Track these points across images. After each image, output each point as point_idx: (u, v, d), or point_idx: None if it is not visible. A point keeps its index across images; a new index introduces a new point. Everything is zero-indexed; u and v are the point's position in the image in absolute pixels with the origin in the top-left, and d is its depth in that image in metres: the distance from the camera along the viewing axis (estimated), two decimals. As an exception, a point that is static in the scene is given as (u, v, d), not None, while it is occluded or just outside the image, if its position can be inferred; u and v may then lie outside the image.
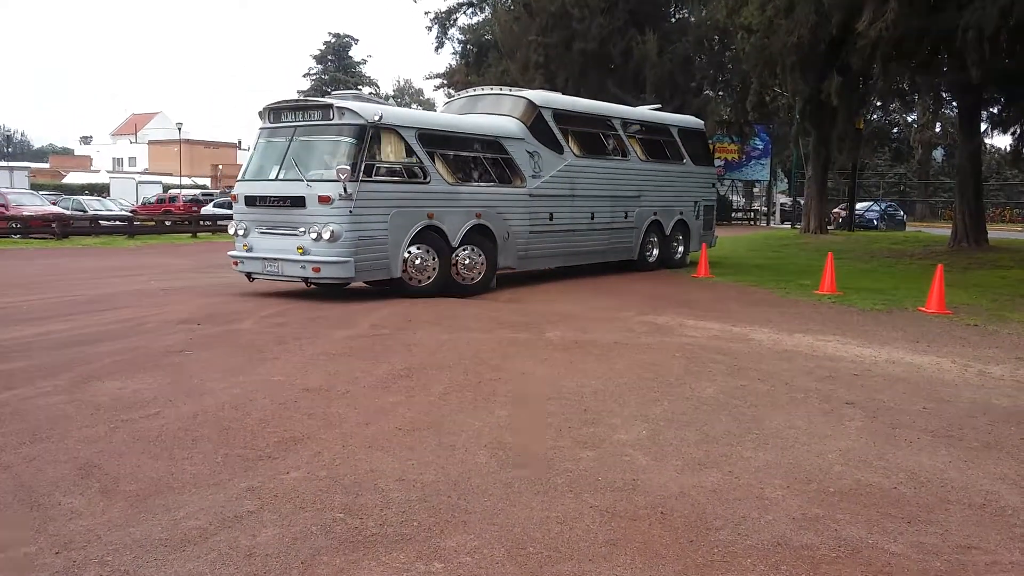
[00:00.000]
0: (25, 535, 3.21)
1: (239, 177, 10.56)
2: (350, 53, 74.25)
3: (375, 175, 9.53)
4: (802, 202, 31.73)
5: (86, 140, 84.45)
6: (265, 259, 9.81)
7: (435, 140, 10.42)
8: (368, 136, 9.45)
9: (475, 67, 39.83)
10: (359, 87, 61.78)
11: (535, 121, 11.79)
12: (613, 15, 31.89)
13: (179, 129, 54.18)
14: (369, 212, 9.39)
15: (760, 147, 41.07)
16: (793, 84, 21.70)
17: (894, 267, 15.92)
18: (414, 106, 64.49)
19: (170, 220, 30.02)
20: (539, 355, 6.68)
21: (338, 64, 72.82)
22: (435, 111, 17.92)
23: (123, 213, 30.49)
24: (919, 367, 6.49)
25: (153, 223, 28.65)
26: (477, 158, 11.07)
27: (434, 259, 10.08)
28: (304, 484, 3.74)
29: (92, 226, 25.66)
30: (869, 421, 4.90)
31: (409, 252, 9.82)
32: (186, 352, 6.62)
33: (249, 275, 10.22)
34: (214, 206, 34.16)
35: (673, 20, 36.62)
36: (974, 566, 3.04)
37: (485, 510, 3.47)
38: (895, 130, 47.08)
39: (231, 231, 10.36)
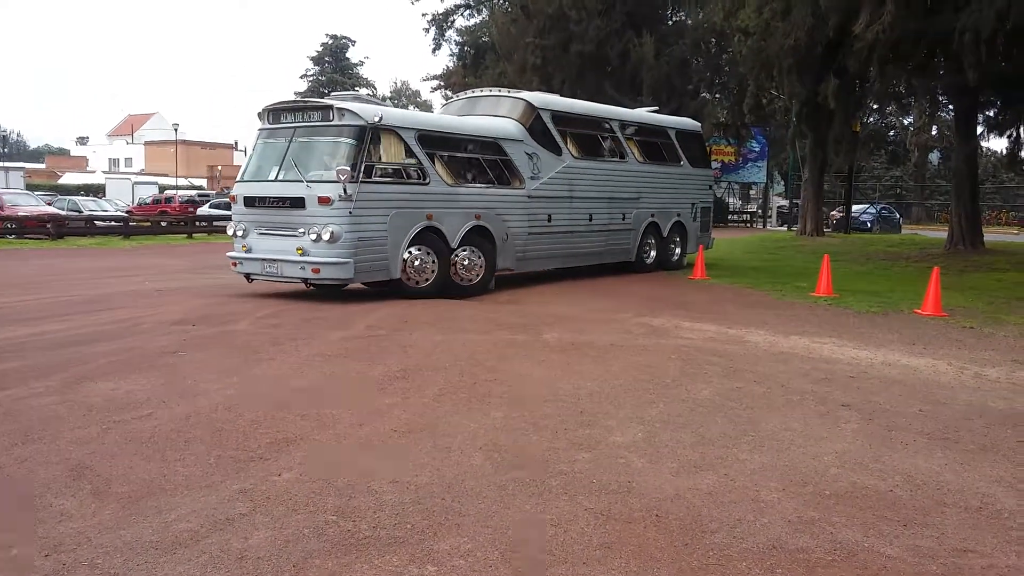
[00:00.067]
0: (15, 537, 3.18)
1: (238, 178, 10.54)
2: (347, 55, 74.25)
3: (375, 176, 9.52)
4: (798, 204, 31.78)
5: (82, 141, 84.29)
6: (264, 260, 9.78)
7: (434, 141, 10.42)
8: (368, 137, 9.44)
9: (472, 69, 39.85)
10: (356, 88, 61.72)
11: (534, 123, 11.79)
12: (610, 17, 31.92)
13: (175, 130, 54.12)
14: (369, 213, 9.38)
15: (757, 149, 41.12)
16: (790, 87, 21.71)
17: (890, 269, 15.93)
18: (411, 108, 64.51)
19: (166, 221, 29.95)
20: (535, 357, 6.66)
21: (335, 66, 72.80)
22: (432, 113, 17.90)
23: (119, 214, 30.43)
24: (915, 369, 6.49)
25: (149, 224, 28.59)
26: (476, 159, 11.07)
27: (433, 260, 10.07)
28: (297, 486, 3.72)
29: (87, 226, 25.58)
30: (865, 423, 4.89)
31: (408, 253, 9.81)
32: (180, 353, 6.59)
33: (248, 276, 10.19)
34: (210, 207, 34.09)
35: (670, 23, 36.68)
36: (970, 570, 3.02)
37: (479, 512, 3.45)
38: (891, 133, 47.22)
39: (230, 232, 10.33)
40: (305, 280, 9.68)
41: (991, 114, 20.13)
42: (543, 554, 3.08)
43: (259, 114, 10.32)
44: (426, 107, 63.72)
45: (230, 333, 7.56)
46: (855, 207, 34.84)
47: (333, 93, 11.57)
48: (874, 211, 36.31)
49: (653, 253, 14.37)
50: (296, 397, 5.27)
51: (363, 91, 59.36)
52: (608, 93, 28.39)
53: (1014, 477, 4.01)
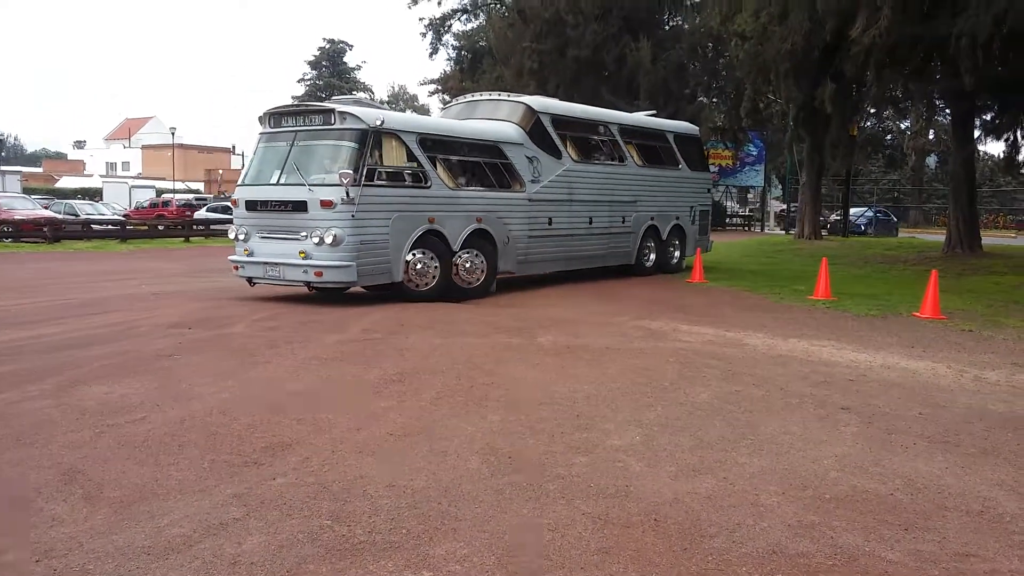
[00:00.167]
0: (5, 542, 3.14)
1: (239, 182, 10.53)
2: (344, 59, 74.34)
3: (377, 179, 9.50)
4: (795, 208, 31.80)
5: (79, 144, 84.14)
6: (266, 263, 9.76)
7: (436, 145, 10.41)
8: (370, 141, 9.44)
9: (469, 73, 39.93)
10: (354, 92, 61.71)
11: (534, 126, 11.81)
12: (607, 22, 31.97)
13: (172, 133, 54.06)
14: (371, 216, 9.37)
15: (754, 153, 41.14)
16: (787, 91, 21.73)
17: (888, 273, 15.93)
18: (408, 112, 64.47)
19: (163, 224, 29.88)
20: (533, 360, 6.62)
21: (332, 70, 72.89)
22: (430, 117, 17.89)
23: (115, 217, 30.37)
24: (914, 372, 6.46)
25: (146, 227, 28.53)
26: (477, 163, 11.07)
27: (435, 263, 10.06)
28: (291, 490, 3.67)
29: (84, 230, 25.54)
30: (865, 427, 4.86)
31: (411, 256, 9.79)
32: (175, 356, 6.55)
33: (250, 280, 10.16)
34: (207, 210, 34.05)
35: (667, 27, 36.75)
36: (972, 574, 2.99)
37: (475, 517, 3.41)
38: (889, 137, 47.34)
39: (231, 236, 10.30)
40: (308, 283, 9.66)
41: (988, 118, 20.14)
42: (540, 559, 3.04)
43: (260, 118, 10.31)
44: (423, 111, 63.76)
45: (226, 336, 7.52)
46: (852, 210, 34.87)
47: (334, 97, 11.56)
48: (869, 214, 36.33)
49: (653, 256, 14.37)
50: (292, 401, 5.23)
51: (361, 95, 59.46)
52: (605, 97, 28.41)
53: (1015, 480, 3.98)
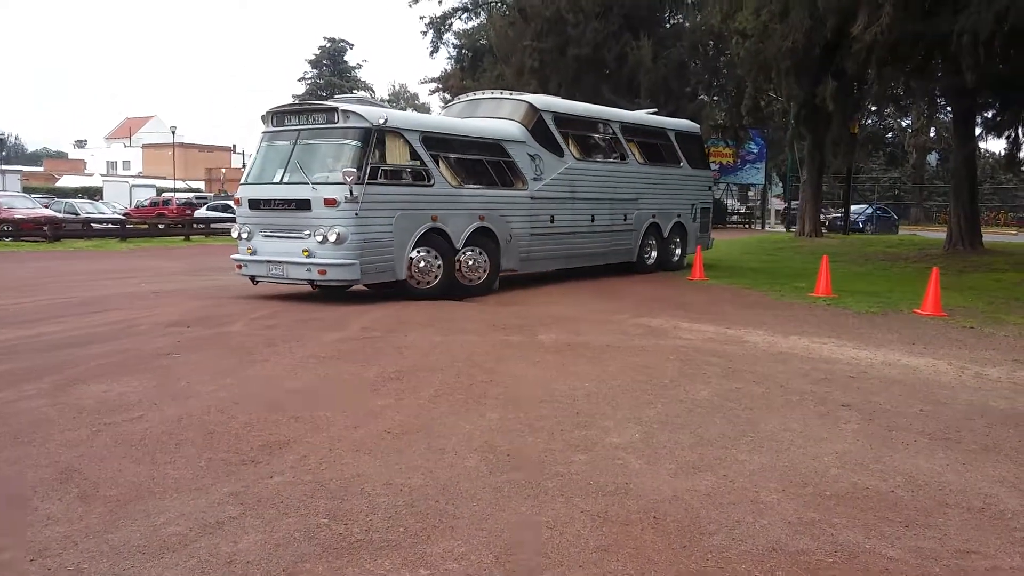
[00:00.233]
0: (1, 541, 3.12)
1: (242, 180, 10.51)
2: (345, 57, 74.27)
3: (380, 178, 9.49)
4: (796, 205, 31.75)
5: (80, 144, 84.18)
6: (270, 262, 9.75)
7: (439, 143, 10.40)
8: (373, 139, 9.43)
9: (470, 72, 39.87)
10: (354, 91, 61.68)
11: (536, 124, 11.80)
12: (608, 20, 31.92)
13: (173, 132, 54.05)
14: (374, 215, 9.35)
15: (755, 151, 41.11)
16: (788, 88, 21.67)
17: (889, 270, 15.89)
18: (409, 110, 64.44)
19: (163, 223, 29.87)
20: (533, 358, 6.60)
21: (333, 68, 72.83)
22: (430, 115, 17.88)
23: (115, 216, 30.36)
24: (915, 369, 6.43)
25: (146, 226, 28.52)
26: (480, 161, 11.06)
27: (438, 261, 10.05)
28: (288, 489, 3.65)
29: (84, 229, 25.53)
30: (865, 424, 4.83)
31: (414, 254, 9.78)
32: (174, 355, 6.53)
33: (253, 278, 10.15)
34: (207, 209, 34.03)
35: (668, 25, 36.68)
36: (974, 571, 2.97)
37: (473, 515, 3.39)
38: (889, 134, 47.29)
39: (234, 234, 10.29)
40: (311, 282, 9.65)
41: (989, 115, 20.09)
42: (538, 557, 3.02)
43: (263, 117, 10.30)
44: (424, 110, 63.74)
45: (225, 335, 7.50)
46: (853, 208, 34.83)
47: (337, 96, 11.55)
48: (869, 211, 36.27)
49: (654, 254, 14.36)
50: (290, 399, 5.21)
51: (362, 94, 59.42)
52: (606, 96, 28.36)
53: (1017, 477, 3.95)
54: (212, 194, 46.83)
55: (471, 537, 3.18)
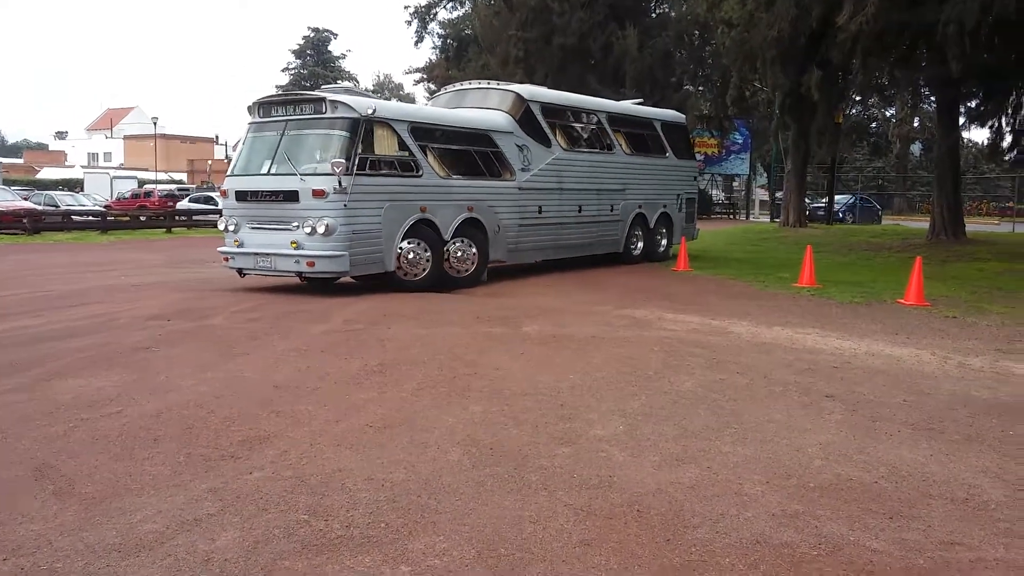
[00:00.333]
0: (-29, 541, 3.06)
1: (228, 172, 10.39)
2: (329, 47, 73.75)
3: (368, 169, 9.40)
4: (780, 196, 31.84)
5: (61, 135, 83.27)
6: (257, 254, 9.66)
7: (427, 134, 10.34)
8: (361, 130, 9.34)
9: (455, 62, 39.66)
10: (339, 81, 61.28)
11: (523, 115, 11.75)
12: (593, 9, 31.83)
13: (155, 124, 53.52)
14: (363, 206, 9.27)
15: (740, 141, 41.14)
16: (773, 78, 21.69)
17: (872, 260, 15.96)
18: (394, 100, 64.12)
19: (145, 215, 29.57)
20: (517, 350, 6.56)
21: (317, 59, 72.31)
22: (418, 105, 17.76)
23: (96, 208, 30.02)
24: (899, 359, 6.45)
25: (127, 218, 28.21)
26: (468, 151, 11.00)
27: (427, 253, 9.99)
28: (268, 484, 3.60)
29: (64, 221, 25.24)
30: (849, 414, 4.83)
31: (403, 246, 9.71)
32: (154, 349, 6.44)
33: (240, 271, 10.05)
34: (189, 201, 33.72)
35: (653, 15, 36.64)
36: (958, 563, 2.96)
37: (456, 510, 3.35)
38: (874, 124, 47.46)
39: (221, 227, 10.18)
40: (299, 274, 9.56)
41: (973, 105, 20.17)
42: (521, 552, 2.99)
43: (249, 108, 10.17)
44: (409, 100, 63.41)
45: (206, 328, 7.41)
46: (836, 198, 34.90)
47: (322, 86, 11.42)
48: (850, 201, 36.35)
49: (640, 244, 14.35)
50: (271, 393, 5.14)
51: (347, 84, 59.01)
52: (591, 86, 28.29)
53: (1000, 468, 3.96)
54: (194, 186, 46.43)
55: (453, 532, 3.14)
